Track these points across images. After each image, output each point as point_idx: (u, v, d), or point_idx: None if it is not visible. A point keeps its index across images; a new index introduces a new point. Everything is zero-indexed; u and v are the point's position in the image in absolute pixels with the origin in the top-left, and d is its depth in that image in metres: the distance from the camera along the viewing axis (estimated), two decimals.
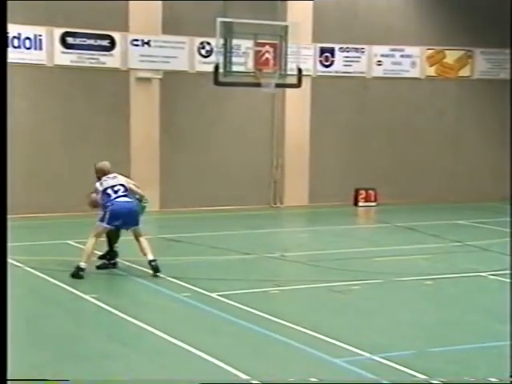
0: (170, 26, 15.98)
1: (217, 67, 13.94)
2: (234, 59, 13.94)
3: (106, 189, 9.53)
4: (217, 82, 14.15)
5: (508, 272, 10.02)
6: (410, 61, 18.13)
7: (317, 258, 10.98)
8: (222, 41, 13.81)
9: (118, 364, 6.26)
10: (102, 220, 9.47)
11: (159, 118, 16.22)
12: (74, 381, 5.60)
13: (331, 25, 17.30)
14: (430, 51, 18.24)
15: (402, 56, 18.02)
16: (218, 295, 8.54)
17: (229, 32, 13.69)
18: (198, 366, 6.24)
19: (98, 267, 9.70)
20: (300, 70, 14.73)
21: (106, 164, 9.90)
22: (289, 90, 16.30)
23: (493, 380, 5.16)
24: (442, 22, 18.10)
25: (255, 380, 5.80)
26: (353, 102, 17.80)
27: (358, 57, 17.73)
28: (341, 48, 17.57)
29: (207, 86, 14.96)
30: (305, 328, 7.25)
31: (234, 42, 13.90)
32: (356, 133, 17.89)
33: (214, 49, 14.97)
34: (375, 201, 17.81)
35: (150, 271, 9.31)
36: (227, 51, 13.66)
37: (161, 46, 16.04)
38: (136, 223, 9.50)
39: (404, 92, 18.07)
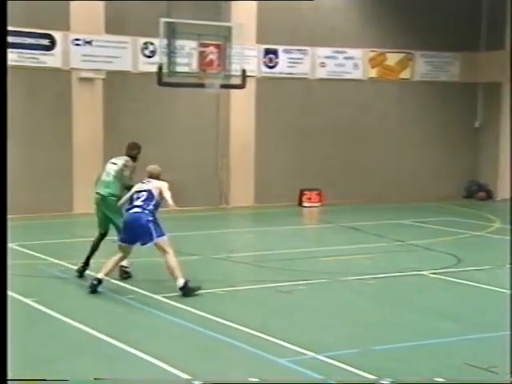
0: (113, 25, 15.79)
1: (160, 68, 13.86)
2: (178, 60, 13.89)
3: (134, 193, 8.90)
4: (161, 83, 14.07)
5: (449, 270, 10.25)
6: (353, 63, 18.37)
7: (263, 259, 11.01)
8: (165, 41, 13.74)
9: (61, 368, 6.14)
10: (118, 235, 8.94)
11: (103, 119, 16.01)
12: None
13: (275, 26, 17.38)
14: (372, 53, 18.53)
15: (344, 58, 18.25)
16: (164, 297, 8.47)
17: (172, 32, 13.63)
18: (143, 368, 6.17)
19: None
20: (244, 71, 14.78)
21: (152, 168, 9.16)
22: (233, 91, 16.31)
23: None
24: (383, 25, 18.40)
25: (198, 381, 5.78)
26: (297, 103, 17.93)
27: (302, 58, 17.87)
28: (285, 49, 17.68)
29: (151, 87, 14.85)
30: (251, 329, 7.25)
31: (178, 42, 13.85)
32: (301, 134, 18.02)
33: (158, 49, 14.87)
34: (320, 201, 17.97)
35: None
36: (171, 52, 13.60)
37: (103, 46, 15.84)
38: (147, 239, 8.53)
39: (347, 93, 18.29)
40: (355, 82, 18.35)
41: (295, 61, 17.81)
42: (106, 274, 8.69)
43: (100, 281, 8.62)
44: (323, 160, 18.21)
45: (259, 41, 17.27)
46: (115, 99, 16.06)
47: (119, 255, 8.78)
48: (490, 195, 19.39)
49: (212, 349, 6.77)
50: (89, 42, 15.65)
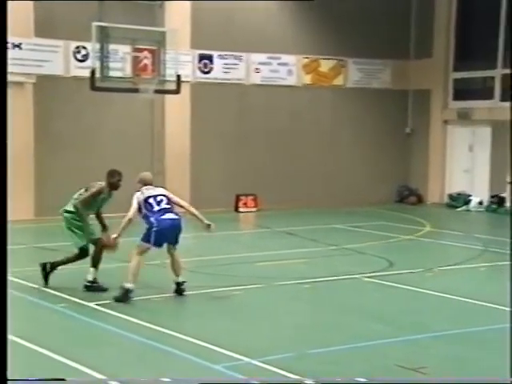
0: (44, 28, 15.47)
1: (93, 72, 13.68)
2: (112, 64, 13.73)
3: (148, 198, 8.73)
4: (94, 87, 13.88)
5: (381, 273, 10.43)
6: (287, 69, 18.53)
7: (199, 265, 10.95)
8: (98, 45, 13.55)
9: None
10: (146, 240, 8.67)
11: (33, 124, 15.66)
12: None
13: (210, 32, 17.37)
14: (306, 60, 18.73)
15: (279, 64, 18.39)
16: (97, 305, 8.35)
17: (105, 36, 13.46)
18: (75, 378, 6.05)
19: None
20: (179, 77, 14.71)
21: (147, 174, 9.15)
22: (168, 96, 16.21)
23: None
24: (317, 32, 18.63)
25: None
26: (233, 108, 17.96)
27: (237, 64, 17.92)
28: (219, 55, 17.69)
29: (84, 91, 14.62)
30: (186, 335, 7.21)
31: (111, 46, 13.69)
32: (236, 139, 18.06)
33: (91, 53, 14.66)
34: (256, 206, 18.03)
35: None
36: (104, 56, 13.43)
37: (33, 50, 15.49)
38: (177, 241, 8.91)
39: (282, 99, 18.43)
40: (289, 88, 18.52)
41: (230, 66, 17.85)
42: (134, 281, 8.59)
43: (132, 290, 8.51)
44: (259, 165, 18.29)
45: (194, 46, 17.23)
46: (46, 104, 15.73)
47: (139, 258, 8.68)
48: (420, 199, 19.84)
49: (146, 356, 6.70)
50: (18, 46, 15.28)
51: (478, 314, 8.38)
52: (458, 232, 14.81)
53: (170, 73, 14.43)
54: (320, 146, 19.00)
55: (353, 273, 10.33)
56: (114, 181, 9.18)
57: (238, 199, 17.89)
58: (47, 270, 9.18)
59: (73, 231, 9.04)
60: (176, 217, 8.79)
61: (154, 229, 8.62)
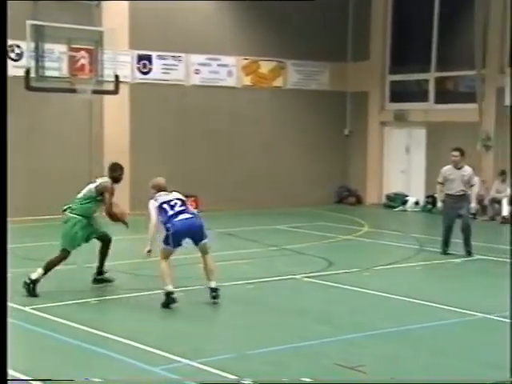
0: None
1: (28, 72, 13.40)
2: (48, 64, 13.49)
3: (162, 204, 8.69)
4: (29, 87, 13.61)
5: (321, 273, 10.54)
6: (227, 70, 18.54)
7: (139, 267, 10.82)
8: (32, 44, 13.29)
9: None
10: (166, 243, 8.64)
11: None
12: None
13: (148, 32, 17.24)
14: (246, 61, 18.78)
15: (218, 65, 18.38)
16: (33, 309, 8.18)
17: (40, 35, 13.22)
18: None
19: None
20: (117, 77, 14.56)
21: (160, 180, 9.06)
22: (107, 97, 16.01)
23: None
24: (256, 33, 18.70)
25: None
26: (172, 109, 17.86)
27: (176, 65, 17.83)
28: (159, 55, 17.57)
29: (18, 91, 14.28)
30: (124, 338, 7.13)
31: (47, 46, 13.44)
32: (177, 140, 17.96)
33: (25, 52, 14.34)
34: (196, 207, 17.94)
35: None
36: (39, 55, 13.17)
37: None
38: (202, 237, 8.76)
39: (222, 100, 18.43)
40: (229, 89, 18.53)
41: (169, 67, 17.74)
42: (172, 282, 8.51)
43: (173, 292, 8.46)
44: (199, 166, 18.24)
45: (132, 46, 17.06)
46: None
47: (166, 262, 8.64)
48: (359, 200, 20.13)
49: (83, 359, 6.59)
50: None
51: (413, 312, 8.54)
52: (396, 232, 15.10)
53: (108, 73, 14.26)
54: (260, 147, 19.07)
55: (293, 273, 10.40)
56: (116, 175, 9.32)
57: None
58: (30, 286, 8.96)
59: (75, 232, 9.01)
60: (190, 215, 8.75)
61: (170, 231, 8.61)
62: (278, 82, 19.28)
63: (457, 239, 12.39)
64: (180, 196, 8.98)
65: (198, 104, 18.14)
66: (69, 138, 16.55)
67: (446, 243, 12.11)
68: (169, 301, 8.43)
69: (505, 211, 16.66)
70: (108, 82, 14.42)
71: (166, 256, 8.72)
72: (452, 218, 12.09)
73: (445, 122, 18.22)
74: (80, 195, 9.30)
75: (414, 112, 19.08)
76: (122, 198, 17.93)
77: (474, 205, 13.40)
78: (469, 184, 12.13)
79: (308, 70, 19.58)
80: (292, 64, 19.33)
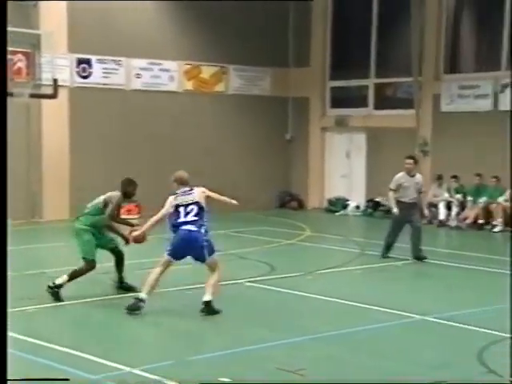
0: None
1: None
2: None
3: (178, 206, 8.35)
4: None
5: (263, 278, 10.58)
6: (169, 75, 18.45)
7: None
8: None
9: None
10: (167, 251, 8.37)
11: None
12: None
13: (87, 35, 17.00)
14: (187, 66, 18.73)
15: (160, 70, 18.27)
16: None
17: None
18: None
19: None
20: (56, 81, 14.33)
21: (182, 173, 8.71)
22: (45, 101, 15.72)
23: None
24: (198, 38, 18.67)
25: None
26: (113, 114, 17.66)
27: (117, 69, 17.65)
28: (98, 59, 17.35)
29: None
30: (64, 347, 7.01)
31: None
32: (119, 145, 17.77)
33: None
34: (139, 213, 17.78)
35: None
36: None
37: None
38: (201, 258, 8.34)
39: (164, 105, 18.33)
40: (171, 94, 18.44)
41: (110, 71, 17.54)
42: (150, 292, 8.17)
43: (144, 300, 8.18)
44: (141, 171, 18.00)
45: (71, 50, 16.79)
46: None
47: (160, 269, 8.31)
48: (301, 205, 20.29)
49: (23, 371, 6.45)
50: None
51: (354, 315, 8.64)
52: (337, 236, 15.27)
53: (46, 77, 14.02)
54: (202, 152, 19.01)
55: (235, 278, 10.38)
56: (129, 190, 9.21)
57: (120, 206, 17.55)
58: (54, 289, 8.92)
59: (87, 240, 8.99)
60: (194, 229, 8.30)
61: (172, 239, 8.40)
62: (220, 87, 19.29)
63: (397, 243, 12.59)
64: (198, 198, 8.57)
65: (140, 108, 18.00)
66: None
67: (388, 248, 12.27)
68: (136, 306, 8.18)
69: (441, 215, 17.06)
70: (46, 85, 14.17)
71: (163, 264, 8.42)
72: (402, 225, 12.15)
73: (384, 127, 18.55)
74: (89, 205, 9.27)
75: (354, 118, 19.36)
76: (61, 205, 17.78)
77: (426, 211, 13.67)
78: (419, 191, 12.27)
79: (250, 75, 19.66)
80: (234, 69, 19.37)
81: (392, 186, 12.23)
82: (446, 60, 18.02)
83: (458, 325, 8.02)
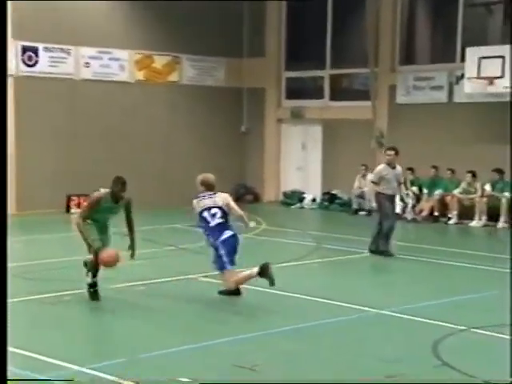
0: None
1: None
2: None
3: (202, 211, 8.35)
4: None
5: (218, 273, 10.35)
6: (119, 64, 18.01)
7: (27, 270, 10.33)
8: None
9: None
10: (222, 266, 8.53)
11: None
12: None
13: (33, 22, 16.45)
14: (139, 55, 18.33)
15: (110, 59, 17.82)
16: None
17: None
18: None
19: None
20: None
21: (210, 177, 8.47)
22: None
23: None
24: (150, 27, 18.28)
25: None
26: (62, 104, 17.16)
27: (65, 58, 17.13)
28: (45, 47, 16.81)
29: None
30: (11, 346, 6.66)
31: None
32: (67, 136, 17.28)
33: None
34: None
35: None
36: None
37: None
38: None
39: (114, 95, 17.89)
40: (122, 84, 18.01)
41: (57, 60, 17.00)
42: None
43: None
44: (92, 164, 17.60)
45: (16, 37, 16.17)
46: None
47: (235, 280, 8.60)
48: (257, 198, 20.11)
49: None
50: None
51: (310, 309, 8.52)
52: (293, 229, 15.14)
53: None
54: (155, 144, 18.66)
55: (190, 273, 10.18)
56: (116, 190, 8.57)
57: (69, 199, 17.13)
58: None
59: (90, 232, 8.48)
60: (233, 232, 8.60)
61: (222, 252, 8.53)
62: (173, 77, 18.94)
63: (351, 236, 12.52)
64: (221, 203, 8.55)
65: (90, 99, 17.53)
66: None
67: (387, 241, 11.88)
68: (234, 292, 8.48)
69: (397, 208, 17.03)
70: None
71: (232, 279, 8.63)
72: (394, 218, 11.94)
73: (340, 119, 18.48)
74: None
75: (310, 109, 19.23)
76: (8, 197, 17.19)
77: (410, 202, 13.40)
78: (399, 182, 12.04)
79: (204, 65, 19.35)
80: (187, 59, 19.03)
81: (374, 178, 11.93)
82: (402, 51, 18.01)
83: (414, 318, 7.98)
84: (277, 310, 8.41)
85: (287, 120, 19.88)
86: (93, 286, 8.46)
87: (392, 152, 11.96)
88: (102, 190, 8.77)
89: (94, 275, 8.47)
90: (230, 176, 19.92)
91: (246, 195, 20.03)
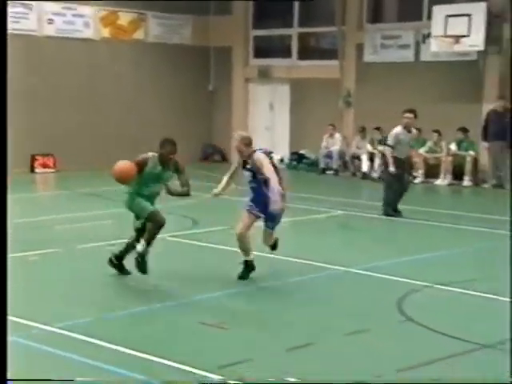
0: None
1: None
2: None
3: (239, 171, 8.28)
4: None
5: (186, 232, 10.34)
6: (83, 21, 17.62)
7: None
8: None
9: None
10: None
11: None
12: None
13: None
14: (104, 12, 17.93)
15: (74, 15, 17.42)
16: None
17: None
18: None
19: None
20: None
21: (245, 134, 8.29)
22: None
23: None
24: None
25: None
26: (24, 62, 16.74)
27: (27, 13, 16.70)
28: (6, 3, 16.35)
29: None
30: None
31: None
32: (30, 95, 16.93)
33: None
34: (54, 167, 17.16)
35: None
36: None
37: None
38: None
39: (79, 53, 17.54)
40: (86, 42, 17.64)
41: (19, 16, 16.56)
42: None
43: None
44: (56, 123, 17.32)
45: None
46: None
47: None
48: (224, 158, 20.03)
49: None
50: None
51: (278, 268, 8.54)
52: None
53: None
54: (121, 104, 18.40)
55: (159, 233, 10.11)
56: (162, 151, 8.11)
57: (33, 159, 16.89)
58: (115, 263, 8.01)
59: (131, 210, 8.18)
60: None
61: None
62: (139, 35, 18.60)
63: (319, 195, 12.52)
64: (253, 165, 8.33)
65: (53, 57, 17.16)
66: None
67: (394, 204, 11.73)
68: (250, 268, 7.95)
69: (365, 167, 17.14)
70: None
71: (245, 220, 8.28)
72: (407, 181, 11.74)
73: (308, 78, 18.38)
74: None
75: (277, 68, 19.07)
76: None
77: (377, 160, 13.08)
78: (411, 146, 11.77)
79: (170, 22, 19.01)
80: (153, 16, 18.68)
81: (391, 142, 11.49)
82: (369, 9, 17.88)
83: (380, 275, 8.08)
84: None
85: (255, 79, 19.70)
86: (142, 257, 7.83)
87: (411, 115, 11.43)
88: (150, 154, 8.25)
89: (149, 243, 7.94)
90: (198, 136, 19.81)
91: (214, 155, 19.94)
